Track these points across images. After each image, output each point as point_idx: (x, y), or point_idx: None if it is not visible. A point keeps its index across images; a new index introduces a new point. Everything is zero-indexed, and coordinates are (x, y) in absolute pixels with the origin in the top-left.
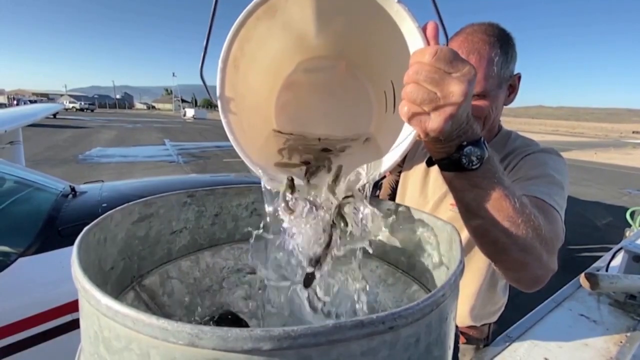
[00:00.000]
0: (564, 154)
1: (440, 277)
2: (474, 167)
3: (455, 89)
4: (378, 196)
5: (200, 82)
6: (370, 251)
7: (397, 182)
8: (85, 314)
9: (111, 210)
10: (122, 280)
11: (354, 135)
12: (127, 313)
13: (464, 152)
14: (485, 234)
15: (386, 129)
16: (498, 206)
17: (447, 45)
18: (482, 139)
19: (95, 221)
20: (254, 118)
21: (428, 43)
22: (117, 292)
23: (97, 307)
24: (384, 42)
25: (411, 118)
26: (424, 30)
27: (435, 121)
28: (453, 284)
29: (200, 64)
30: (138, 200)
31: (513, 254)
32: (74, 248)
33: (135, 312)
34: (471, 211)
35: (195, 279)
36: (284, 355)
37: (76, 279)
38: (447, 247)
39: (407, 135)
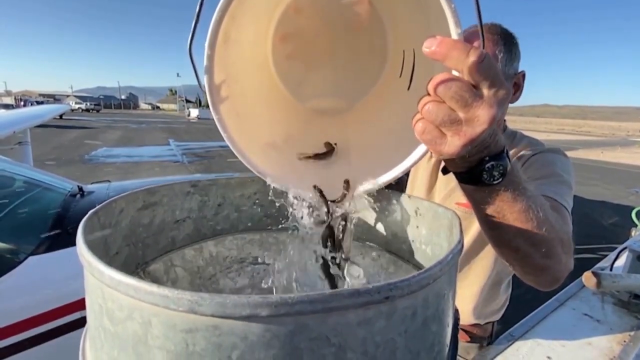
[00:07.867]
0: (570, 153)
1: None
2: (495, 182)
3: (482, 114)
4: None
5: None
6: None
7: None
8: (89, 289)
9: (116, 196)
10: (127, 267)
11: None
12: (130, 282)
13: (485, 168)
14: (507, 244)
15: (393, 97)
16: (522, 218)
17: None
18: (505, 150)
19: (100, 205)
20: (249, 94)
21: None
22: None
23: (101, 278)
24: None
25: (425, 138)
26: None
27: (452, 146)
28: (451, 261)
29: (189, 38)
30: (142, 188)
31: (536, 260)
32: (80, 227)
33: (137, 281)
34: (493, 223)
35: (198, 267)
36: (281, 322)
37: (81, 255)
38: (448, 233)
39: (414, 150)
